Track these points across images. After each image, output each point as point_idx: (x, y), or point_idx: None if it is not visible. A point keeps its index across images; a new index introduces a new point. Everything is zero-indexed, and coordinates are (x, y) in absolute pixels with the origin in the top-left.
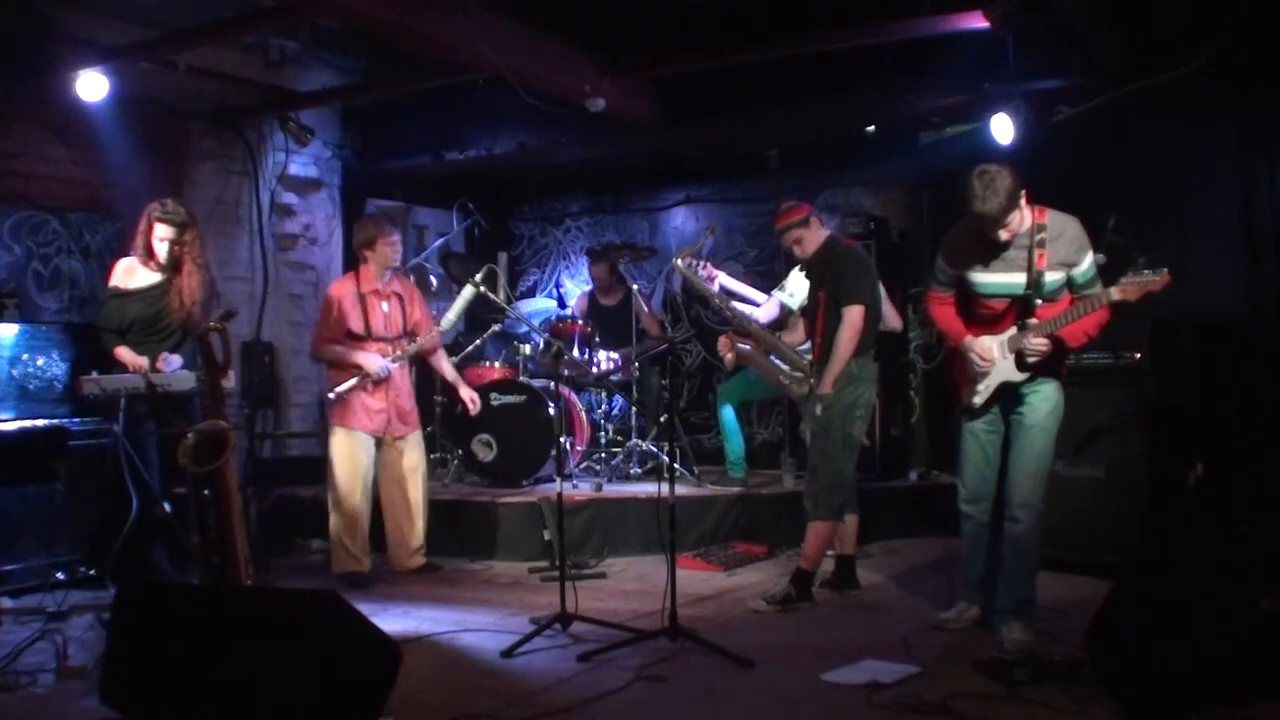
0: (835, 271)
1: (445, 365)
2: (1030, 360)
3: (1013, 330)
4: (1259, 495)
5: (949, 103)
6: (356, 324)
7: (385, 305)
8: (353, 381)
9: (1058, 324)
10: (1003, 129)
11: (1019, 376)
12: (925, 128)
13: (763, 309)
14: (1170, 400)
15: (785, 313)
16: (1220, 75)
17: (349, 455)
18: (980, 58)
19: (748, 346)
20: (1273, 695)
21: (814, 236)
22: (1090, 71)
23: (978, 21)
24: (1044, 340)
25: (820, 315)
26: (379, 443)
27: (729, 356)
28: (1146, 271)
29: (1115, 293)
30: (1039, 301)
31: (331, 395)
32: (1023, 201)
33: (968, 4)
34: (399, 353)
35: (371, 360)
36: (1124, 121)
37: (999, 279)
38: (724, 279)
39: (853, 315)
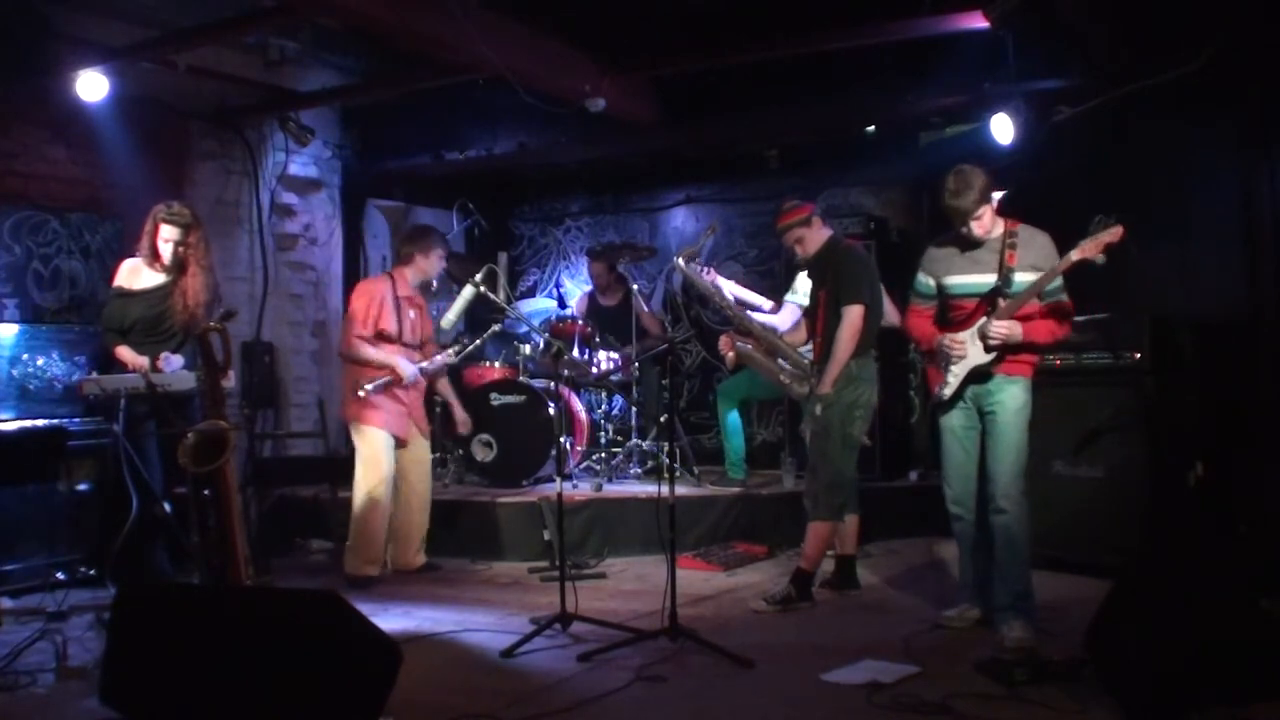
0: (835, 271)
1: (446, 386)
2: (992, 342)
3: (982, 320)
4: (1259, 495)
5: (949, 103)
6: (391, 325)
7: (413, 313)
8: (385, 380)
9: (1019, 301)
10: (1003, 129)
11: (986, 359)
12: (925, 128)
13: (780, 316)
14: (1170, 400)
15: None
16: (1220, 75)
17: (379, 456)
18: (980, 58)
19: (749, 346)
20: (1273, 695)
21: (815, 236)
22: (1090, 71)
23: (978, 21)
24: (1004, 321)
25: (821, 315)
26: (397, 442)
27: (730, 355)
28: (1103, 233)
29: (1075, 254)
30: (1007, 293)
31: (361, 392)
32: (994, 205)
33: (968, 4)
34: (424, 362)
35: (405, 364)
36: (1124, 121)
37: (970, 279)
38: (726, 284)
39: (852, 315)
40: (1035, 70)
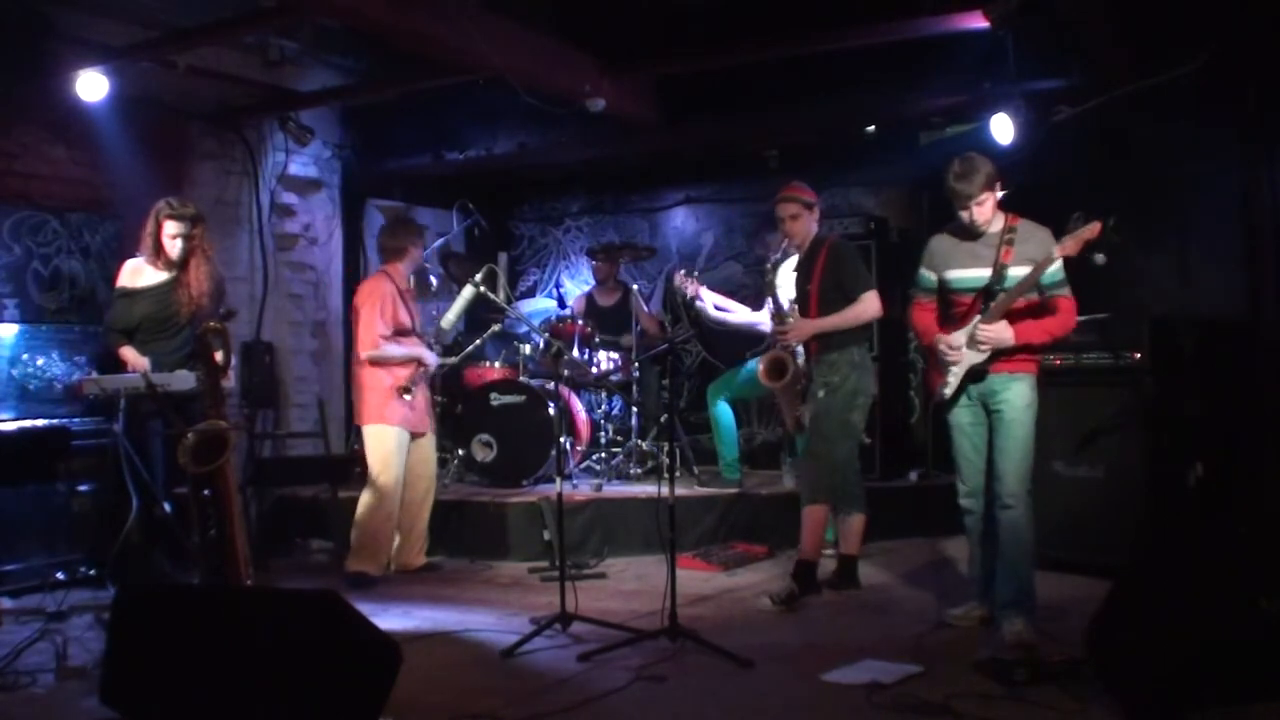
0: (835, 265)
1: None
2: (982, 346)
3: (975, 319)
4: (1259, 495)
5: (949, 103)
6: (407, 319)
7: (412, 305)
8: (421, 373)
9: (1010, 298)
10: (1003, 129)
11: (981, 357)
12: (925, 128)
13: (764, 313)
14: (1170, 400)
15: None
16: (1220, 75)
17: (393, 457)
18: (980, 58)
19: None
20: (1273, 695)
21: (809, 223)
22: (1090, 71)
23: (978, 21)
24: (992, 325)
25: (814, 309)
26: (411, 436)
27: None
28: (1082, 229)
29: (1057, 251)
30: (999, 290)
31: (408, 396)
32: (996, 197)
33: (968, 4)
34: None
35: (429, 353)
36: (1124, 121)
37: (967, 273)
38: (711, 295)
39: (871, 298)
40: (1035, 70)
